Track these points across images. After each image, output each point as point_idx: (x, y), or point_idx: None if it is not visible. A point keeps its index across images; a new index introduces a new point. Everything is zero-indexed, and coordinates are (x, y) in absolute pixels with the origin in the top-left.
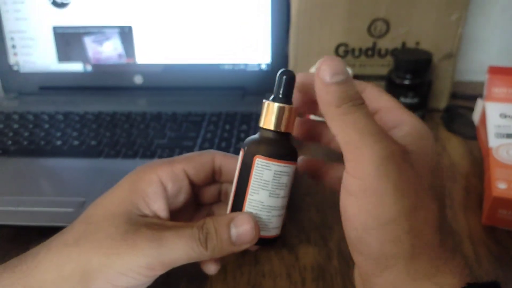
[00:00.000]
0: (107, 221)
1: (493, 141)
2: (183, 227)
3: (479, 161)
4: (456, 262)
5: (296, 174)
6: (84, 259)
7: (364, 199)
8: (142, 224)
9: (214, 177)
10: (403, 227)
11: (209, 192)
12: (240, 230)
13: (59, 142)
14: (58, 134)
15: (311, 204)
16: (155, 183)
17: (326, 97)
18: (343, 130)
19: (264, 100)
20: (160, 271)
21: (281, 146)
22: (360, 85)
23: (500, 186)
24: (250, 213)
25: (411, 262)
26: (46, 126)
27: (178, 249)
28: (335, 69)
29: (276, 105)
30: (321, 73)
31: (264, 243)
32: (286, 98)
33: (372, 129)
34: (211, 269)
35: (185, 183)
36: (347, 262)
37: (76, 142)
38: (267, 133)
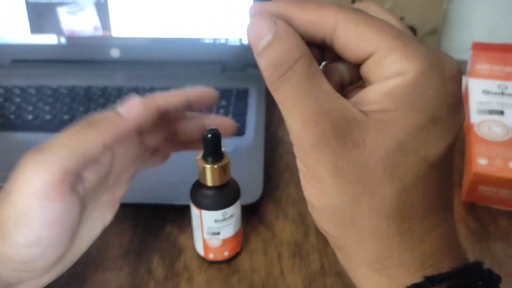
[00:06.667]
0: None
1: (475, 117)
2: None
3: (461, 139)
4: (418, 252)
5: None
6: None
7: (307, 179)
8: None
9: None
10: (345, 215)
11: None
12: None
13: (30, 116)
14: (30, 108)
15: (290, 180)
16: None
17: (262, 72)
18: (281, 110)
19: (197, 158)
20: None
21: (218, 198)
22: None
23: (480, 162)
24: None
25: (358, 249)
26: (18, 99)
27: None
28: (259, 32)
29: (208, 166)
30: (250, 42)
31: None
32: (213, 156)
33: (300, 109)
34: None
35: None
36: (324, 238)
37: (48, 117)
38: (206, 190)
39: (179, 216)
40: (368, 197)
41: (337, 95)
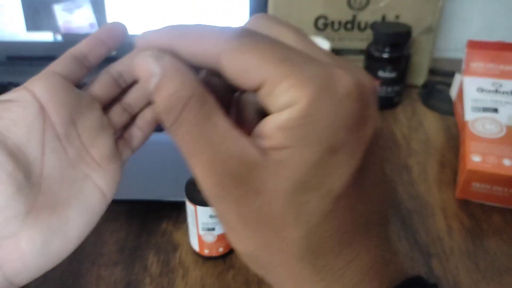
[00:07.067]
0: None
1: (469, 115)
2: None
3: (455, 137)
4: (339, 287)
5: None
6: None
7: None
8: None
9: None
10: (262, 259)
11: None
12: None
13: None
14: None
15: None
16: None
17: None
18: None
19: None
20: None
21: None
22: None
23: (474, 159)
24: None
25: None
26: None
27: None
28: (146, 69)
29: None
30: (140, 80)
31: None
32: None
33: (197, 158)
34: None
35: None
36: None
37: None
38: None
39: (174, 212)
40: (279, 241)
41: (235, 135)
